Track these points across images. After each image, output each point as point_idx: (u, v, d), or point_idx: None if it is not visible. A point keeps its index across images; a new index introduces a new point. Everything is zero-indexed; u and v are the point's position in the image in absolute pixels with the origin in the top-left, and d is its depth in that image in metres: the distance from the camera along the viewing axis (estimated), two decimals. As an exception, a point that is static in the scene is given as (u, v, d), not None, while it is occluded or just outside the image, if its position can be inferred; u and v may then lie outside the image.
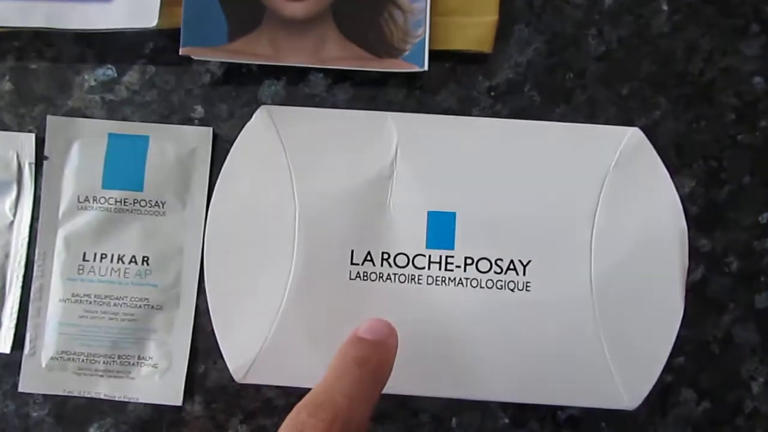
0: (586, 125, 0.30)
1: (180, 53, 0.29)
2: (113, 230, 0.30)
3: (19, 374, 0.30)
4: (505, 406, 0.30)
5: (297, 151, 0.30)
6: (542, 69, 0.31)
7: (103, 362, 0.30)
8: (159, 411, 0.30)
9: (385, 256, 0.30)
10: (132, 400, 0.30)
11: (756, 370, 0.30)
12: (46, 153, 0.31)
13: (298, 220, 0.30)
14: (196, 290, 0.30)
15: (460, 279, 0.29)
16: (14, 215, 0.31)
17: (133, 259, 0.30)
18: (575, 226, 0.29)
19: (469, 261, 0.29)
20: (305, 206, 0.30)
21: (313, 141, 0.30)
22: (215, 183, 0.30)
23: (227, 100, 0.31)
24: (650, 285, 0.29)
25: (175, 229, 0.30)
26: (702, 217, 0.30)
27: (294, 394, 0.30)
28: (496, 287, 0.29)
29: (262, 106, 0.30)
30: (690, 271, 0.29)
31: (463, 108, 0.31)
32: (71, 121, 0.31)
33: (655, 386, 0.28)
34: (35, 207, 0.31)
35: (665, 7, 0.31)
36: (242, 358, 0.29)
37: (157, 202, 0.30)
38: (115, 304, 0.30)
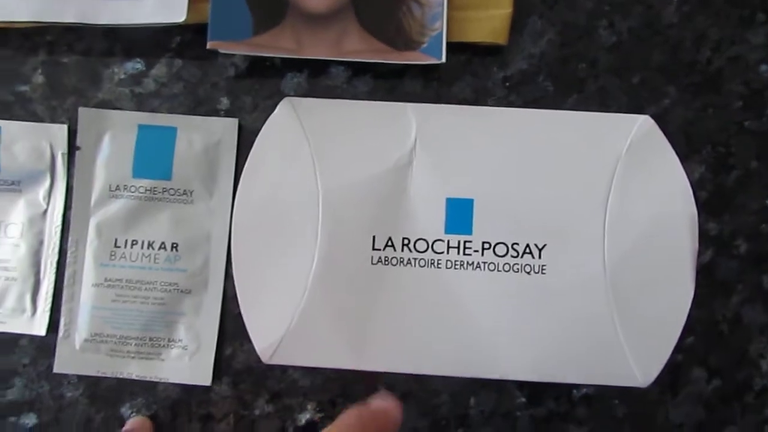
0: (598, 114, 0.32)
1: (207, 47, 0.31)
2: (143, 217, 0.32)
3: (53, 356, 0.32)
4: (521, 386, 0.32)
5: (319, 141, 0.32)
6: (555, 59, 0.33)
7: (135, 344, 0.32)
8: (188, 391, 0.32)
9: (406, 241, 0.31)
10: (162, 381, 0.32)
11: (764, 349, 0.32)
12: (78, 143, 0.32)
13: (321, 208, 0.31)
14: (223, 275, 0.32)
15: (478, 263, 0.31)
16: (48, 204, 0.33)
17: (163, 246, 0.32)
18: (589, 211, 0.31)
19: (486, 245, 0.31)
20: (328, 194, 0.31)
21: (335, 131, 0.32)
22: (241, 172, 0.31)
23: (251, 92, 0.33)
24: (662, 267, 0.30)
25: (202, 216, 0.32)
26: (711, 202, 0.32)
27: (318, 375, 0.32)
28: (513, 270, 0.31)
29: (286, 98, 0.32)
30: (700, 254, 0.30)
31: (479, 98, 0.33)
32: (102, 113, 0.32)
33: (666, 365, 0.30)
34: (68, 196, 0.32)
35: (674, -1, 0.33)
36: (269, 339, 0.31)
37: (185, 190, 0.32)
38: (145, 289, 0.32)
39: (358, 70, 0.33)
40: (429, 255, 0.31)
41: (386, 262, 0.31)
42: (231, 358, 0.32)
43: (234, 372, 0.32)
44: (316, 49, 0.31)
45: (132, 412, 0.32)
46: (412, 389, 0.32)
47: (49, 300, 0.32)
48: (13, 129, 0.32)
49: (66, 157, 0.32)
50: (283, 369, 0.32)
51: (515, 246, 0.31)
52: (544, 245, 0.31)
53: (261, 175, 0.32)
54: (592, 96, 0.32)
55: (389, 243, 0.31)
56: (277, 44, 0.31)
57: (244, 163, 0.32)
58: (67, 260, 0.32)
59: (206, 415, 0.32)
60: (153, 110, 0.33)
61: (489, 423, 0.32)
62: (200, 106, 0.33)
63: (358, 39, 0.31)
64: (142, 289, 0.32)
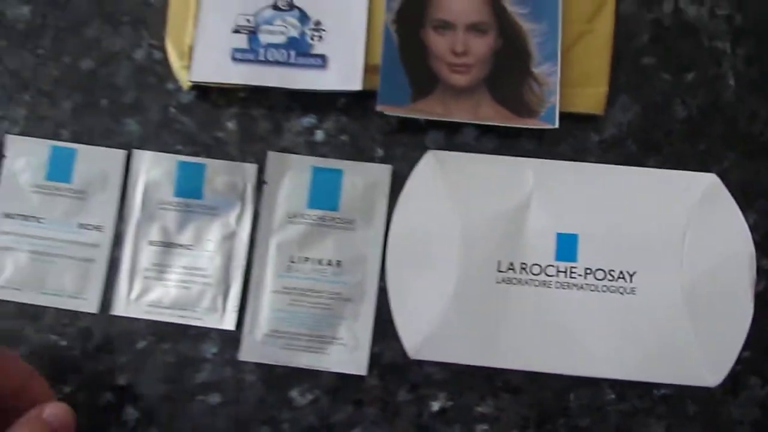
0: (675, 171, 0.42)
1: (377, 110, 0.41)
2: (314, 239, 0.42)
3: (238, 347, 0.41)
4: (612, 384, 0.41)
5: (456, 185, 0.42)
6: (639, 128, 0.43)
7: (305, 340, 0.41)
8: (345, 380, 0.41)
9: (523, 265, 0.41)
10: (326, 370, 0.41)
11: (806, 363, 0.41)
12: (265, 179, 0.42)
13: (458, 237, 0.41)
14: (376, 288, 0.41)
15: (581, 284, 0.41)
16: (237, 226, 0.42)
17: (329, 262, 0.41)
18: (669, 246, 0.40)
19: (588, 271, 0.41)
20: (464, 226, 0.41)
21: (468, 178, 0.42)
22: (392, 208, 0.41)
23: (401, 144, 0.43)
24: (727, 293, 0.40)
25: (361, 241, 0.42)
26: (765, 243, 0.41)
27: (449, 370, 0.41)
28: (609, 291, 0.40)
29: (430, 151, 0.42)
30: (756, 284, 0.40)
31: (579, 156, 0.43)
32: (285, 156, 0.42)
33: (728, 374, 0.39)
34: (254, 220, 0.42)
35: (732, 83, 0.43)
36: (415, 340, 0.40)
37: (348, 220, 0.42)
38: (315, 296, 0.41)
39: (485, 130, 0.43)
40: (542, 277, 0.41)
41: (508, 282, 0.41)
42: (379, 355, 0.41)
43: (382, 366, 0.41)
44: (459, 114, 0.41)
45: (298, 396, 0.41)
46: (525, 385, 0.41)
47: (237, 302, 0.41)
48: (216, 166, 0.42)
49: (254, 189, 0.42)
50: (420, 364, 0.41)
51: (611, 272, 0.40)
52: (635, 272, 0.40)
53: (410, 210, 0.41)
54: (669, 157, 0.42)
55: (511, 267, 0.41)
56: (430, 109, 0.41)
57: (395, 201, 0.41)
58: (252, 271, 0.42)
59: (358, 400, 0.41)
60: (323, 156, 0.43)
61: (585, 415, 0.41)
62: (360, 154, 0.43)
63: (490, 108, 0.42)
64: (312, 296, 0.41)
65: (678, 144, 0.42)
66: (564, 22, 0.42)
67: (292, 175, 0.42)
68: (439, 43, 0.41)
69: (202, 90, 0.42)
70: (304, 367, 0.40)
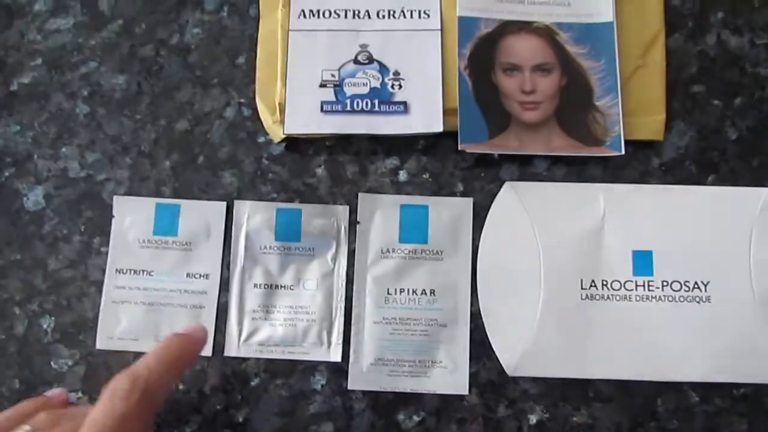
0: (734, 188, 0.46)
1: (459, 148, 0.45)
2: (408, 271, 0.46)
3: (346, 377, 0.45)
4: (695, 388, 0.45)
5: (535, 212, 0.46)
6: (696, 150, 0.48)
7: (408, 365, 0.45)
8: (447, 400, 0.45)
9: (604, 282, 0.45)
10: (429, 392, 0.45)
11: None
12: (358, 219, 0.47)
13: (541, 260, 0.45)
14: (468, 312, 0.46)
15: (660, 296, 0.45)
16: (334, 264, 0.46)
17: (423, 292, 0.46)
18: (737, 254, 0.45)
19: (665, 283, 0.45)
20: (545, 250, 0.45)
21: (545, 204, 0.46)
22: (476, 237, 0.46)
23: (479, 178, 0.47)
24: (794, 295, 0.44)
25: (451, 269, 0.46)
26: (823, 247, 0.46)
27: (543, 384, 0.45)
28: (686, 301, 0.45)
29: (507, 182, 0.47)
30: (818, 285, 0.44)
31: (643, 178, 0.47)
32: (375, 197, 0.47)
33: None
34: (350, 257, 0.46)
35: (777, 107, 0.48)
36: (511, 358, 0.44)
37: (437, 251, 0.46)
38: (413, 324, 0.45)
39: (555, 160, 0.47)
40: (622, 292, 0.45)
41: (591, 298, 0.45)
42: (476, 374, 0.45)
43: (479, 385, 0.45)
44: (533, 147, 0.46)
45: (405, 419, 0.45)
46: (615, 394, 0.45)
47: (341, 335, 0.45)
48: (311, 210, 0.47)
49: (347, 229, 0.47)
50: (516, 381, 0.45)
51: (686, 283, 0.45)
52: (708, 281, 0.45)
53: (494, 237, 0.46)
54: (725, 176, 0.47)
55: (593, 284, 0.45)
56: (506, 144, 0.46)
57: (478, 230, 0.46)
58: (353, 304, 0.46)
59: (461, 419, 0.45)
60: (408, 194, 0.47)
61: (674, 418, 0.45)
62: (442, 189, 0.47)
63: (561, 139, 0.46)
64: (410, 324, 0.45)
65: (732, 162, 0.47)
66: (620, 58, 0.47)
67: (382, 213, 0.46)
68: (509, 84, 0.46)
69: (291, 141, 0.47)
70: (409, 391, 0.44)
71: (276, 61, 0.47)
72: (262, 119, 0.47)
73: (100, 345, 0.45)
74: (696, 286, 0.44)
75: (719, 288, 0.44)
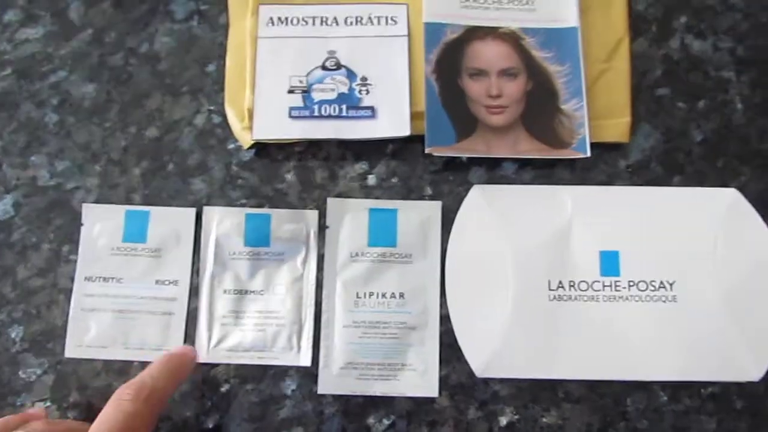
0: (699, 188, 0.48)
1: (426, 152, 0.46)
2: (377, 275, 0.47)
3: (316, 382, 0.46)
4: (664, 387, 0.46)
5: (502, 215, 0.47)
6: (662, 151, 0.49)
7: (377, 369, 0.46)
8: (418, 403, 0.46)
9: (572, 283, 0.46)
10: (399, 395, 0.45)
11: (836, 352, 0.46)
12: (327, 224, 0.47)
13: (509, 262, 0.46)
14: (438, 315, 0.46)
15: (626, 296, 0.46)
16: (304, 268, 0.47)
17: (393, 295, 0.46)
18: (703, 256, 0.46)
19: (631, 283, 0.46)
20: (514, 252, 0.46)
21: (513, 207, 0.47)
22: (445, 240, 0.47)
23: (447, 182, 0.48)
24: (759, 295, 0.45)
25: (420, 272, 0.47)
26: (787, 246, 0.47)
27: (514, 386, 0.45)
28: (652, 300, 0.46)
29: (476, 185, 0.48)
30: (783, 283, 0.45)
31: (610, 180, 0.48)
32: (343, 201, 0.48)
33: (768, 367, 0.44)
34: (319, 262, 0.47)
35: (740, 107, 0.49)
36: (480, 359, 0.45)
37: (406, 254, 0.47)
38: (383, 327, 0.46)
39: (523, 164, 0.48)
40: (590, 292, 0.46)
41: (560, 299, 0.46)
42: (446, 377, 0.46)
43: (450, 387, 0.46)
44: (500, 150, 0.47)
45: (376, 422, 0.45)
46: (585, 394, 0.46)
47: (311, 339, 0.46)
48: (280, 215, 0.47)
49: (317, 233, 0.47)
50: (486, 382, 0.46)
51: (653, 282, 0.46)
52: (674, 281, 0.46)
53: (463, 240, 0.47)
54: (691, 176, 0.48)
55: (560, 285, 0.46)
56: (473, 148, 0.47)
57: (446, 234, 0.47)
58: (323, 309, 0.46)
59: (432, 422, 0.45)
60: (377, 198, 0.48)
61: (643, 417, 0.45)
62: (411, 193, 0.48)
63: (528, 142, 0.47)
64: (380, 327, 0.46)
65: (698, 164, 0.48)
66: (585, 62, 0.48)
67: (351, 218, 0.47)
68: (475, 88, 0.48)
69: (261, 147, 0.48)
70: (379, 394, 0.45)
71: (245, 68, 0.48)
72: (231, 126, 0.48)
73: (69, 353, 0.45)
74: (662, 285, 0.45)
75: (685, 287, 0.45)
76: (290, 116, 0.47)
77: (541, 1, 0.49)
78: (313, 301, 0.46)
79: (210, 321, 0.46)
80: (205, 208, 0.47)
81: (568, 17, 0.49)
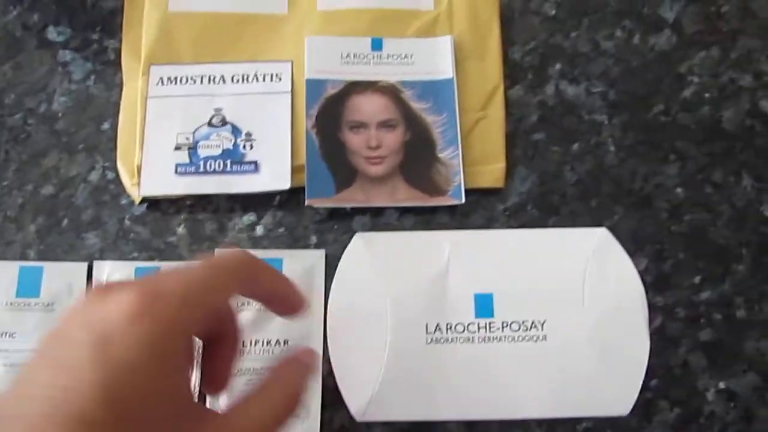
0: (571, 229, 0.50)
1: (306, 204, 0.49)
2: (262, 323, 0.49)
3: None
4: (540, 424, 0.48)
5: (383, 261, 0.49)
6: (538, 194, 0.51)
7: (262, 415, 0.47)
8: (301, 447, 0.47)
9: (449, 325, 0.48)
10: (283, 441, 0.47)
11: (708, 384, 0.48)
12: None
13: (388, 307, 0.48)
14: (321, 361, 0.48)
15: (500, 337, 0.48)
16: (193, 319, 0.49)
17: (278, 342, 0.48)
18: (571, 294, 0.48)
19: (505, 324, 0.48)
20: (393, 297, 0.48)
21: (393, 253, 0.49)
22: (328, 287, 0.49)
23: (332, 230, 0.51)
24: (626, 330, 0.47)
25: (304, 319, 0.49)
26: (655, 284, 0.49)
27: (394, 428, 0.47)
28: (525, 340, 0.48)
29: (357, 233, 0.50)
30: (651, 320, 0.47)
31: (489, 224, 0.51)
32: None
33: (640, 400, 0.46)
34: (207, 312, 0.49)
35: (612, 149, 0.52)
36: (359, 403, 0.47)
37: (291, 302, 0.49)
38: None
39: (404, 211, 0.51)
40: (466, 334, 0.48)
41: (437, 341, 0.48)
42: (330, 421, 0.48)
43: (332, 431, 0.48)
44: (378, 200, 0.50)
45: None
46: (463, 433, 0.47)
47: (196, 388, 0.48)
48: (168, 267, 0.50)
49: (205, 284, 0.49)
50: (368, 426, 0.48)
51: (525, 322, 0.48)
52: (545, 320, 0.48)
53: (344, 288, 0.49)
54: (566, 217, 0.51)
55: (438, 328, 0.48)
56: (352, 198, 0.49)
57: (330, 281, 0.49)
58: (209, 358, 0.48)
59: (315, 465, 0.47)
60: (264, 248, 0.50)
61: (520, 454, 0.47)
62: (297, 242, 0.51)
63: (405, 191, 0.50)
64: (265, 374, 0.48)
65: (573, 204, 0.51)
66: (461, 111, 0.51)
67: (238, 268, 0.49)
68: (355, 140, 0.50)
69: (153, 201, 0.50)
70: (263, 440, 0.46)
71: (135, 126, 0.51)
72: (123, 182, 0.50)
73: (-39, 408, 0.47)
74: (533, 325, 0.47)
75: (554, 326, 0.47)
76: (176, 172, 0.49)
77: (419, 55, 0.52)
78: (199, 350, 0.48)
79: (101, 372, 0.47)
80: (96, 262, 0.49)
81: (445, 69, 0.52)
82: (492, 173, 0.50)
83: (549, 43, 0.54)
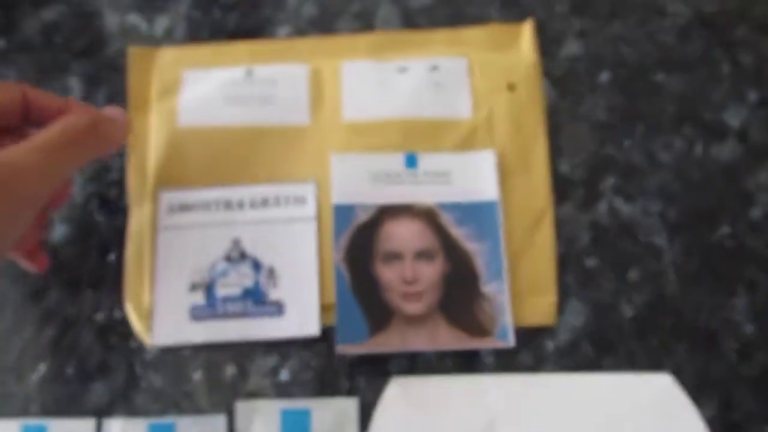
0: (631, 374, 0.45)
1: (336, 352, 0.44)
2: None
3: None
4: None
5: (422, 410, 0.45)
6: (593, 330, 0.46)
7: None
8: None
9: None
10: None
11: None
12: (236, 429, 0.45)
13: None
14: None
15: None
16: (213, 479, 0.44)
17: None
18: None
19: None
20: None
21: (433, 401, 0.45)
22: None
23: (365, 374, 0.46)
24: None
25: (336, 478, 0.44)
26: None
27: None
28: None
29: (394, 378, 0.45)
30: (722, 478, 0.43)
31: (538, 364, 0.46)
32: (252, 403, 0.45)
33: None
34: (229, 471, 0.44)
35: (673, 277, 0.47)
36: None
37: (321, 458, 0.44)
38: None
39: (445, 350, 0.46)
40: (517, 497, 0.43)
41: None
42: None
43: None
44: (417, 343, 0.45)
45: None
46: None
47: None
48: (185, 424, 0.45)
49: (226, 440, 0.45)
50: None
51: (583, 486, 0.43)
52: (605, 483, 0.43)
53: (382, 439, 0.44)
54: (623, 357, 0.46)
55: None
56: (388, 342, 0.45)
57: (364, 428, 0.44)
58: None
59: None
60: (291, 395, 0.45)
61: None
62: (326, 388, 0.46)
63: (447, 332, 0.45)
64: None
65: (630, 342, 0.46)
66: (506, 238, 0.45)
67: (262, 421, 0.44)
68: (389, 274, 0.45)
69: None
70: None
71: (143, 259, 0.46)
72: (132, 324, 0.45)
73: None
74: (593, 485, 0.43)
75: (616, 489, 0.43)
76: (192, 317, 0.44)
77: (457, 172, 0.47)
78: None
79: None
80: (105, 421, 0.44)
81: (487, 189, 0.47)
82: (542, 309, 0.45)
83: (600, 154, 0.48)
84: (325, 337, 0.45)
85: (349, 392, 0.45)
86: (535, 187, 0.48)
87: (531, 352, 0.46)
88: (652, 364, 0.45)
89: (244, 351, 0.46)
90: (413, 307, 0.45)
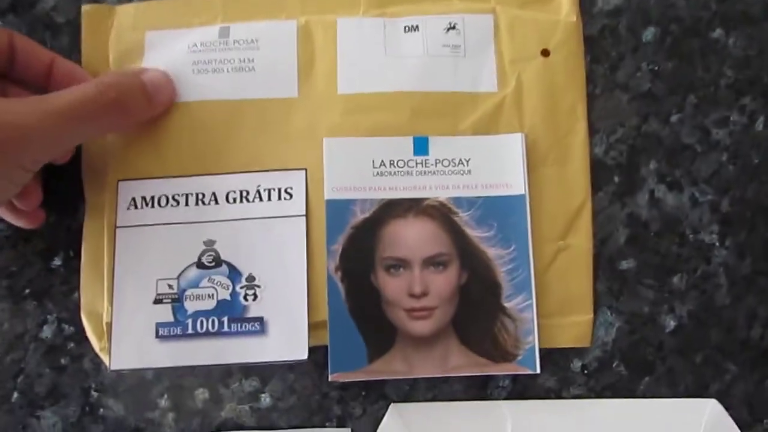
0: (671, 400, 0.39)
1: (330, 380, 0.37)
2: None
3: None
4: None
5: None
6: (626, 346, 0.40)
7: None
8: None
9: None
10: None
11: None
12: None
13: None
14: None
15: None
16: None
17: None
18: None
19: None
20: None
21: (439, 429, 0.38)
22: None
23: (359, 398, 0.39)
24: None
25: None
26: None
27: None
28: None
29: (393, 404, 0.39)
30: None
31: (561, 386, 0.40)
32: None
33: None
34: None
35: (724, 282, 0.40)
36: None
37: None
38: None
39: (456, 371, 0.39)
40: None
41: None
42: None
43: None
44: (424, 369, 0.38)
45: None
46: None
47: None
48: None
49: (201, 476, 0.38)
50: None
51: None
52: None
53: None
54: (662, 377, 0.39)
55: None
56: (390, 368, 0.38)
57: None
58: None
59: None
60: (272, 425, 0.39)
61: None
62: (314, 416, 0.39)
63: (460, 355, 0.38)
64: None
65: (671, 360, 0.39)
66: (535, 242, 0.38)
67: (243, 459, 0.38)
68: (392, 285, 0.38)
69: (127, 364, 0.38)
70: None
71: (102, 264, 0.38)
72: (90, 341, 0.38)
73: None
74: None
75: None
76: (157, 335, 0.37)
77: (478, 160, 0.39)
78: None
79: None
80: (57, 459, 0.38)
81: (513, 181, 0.39)
82: (575, 328, 0.39)
83: (642, 132, 0.40)
84: (312, 356, 0.38)
85: (340, 421, 0.39)
86: (571, 180, 0.40)
87: (554, 373, 0.39)
88: (697, 388, 0.39)
89: (217, 373, 0.39)
90: (421, 326, 0.38)
